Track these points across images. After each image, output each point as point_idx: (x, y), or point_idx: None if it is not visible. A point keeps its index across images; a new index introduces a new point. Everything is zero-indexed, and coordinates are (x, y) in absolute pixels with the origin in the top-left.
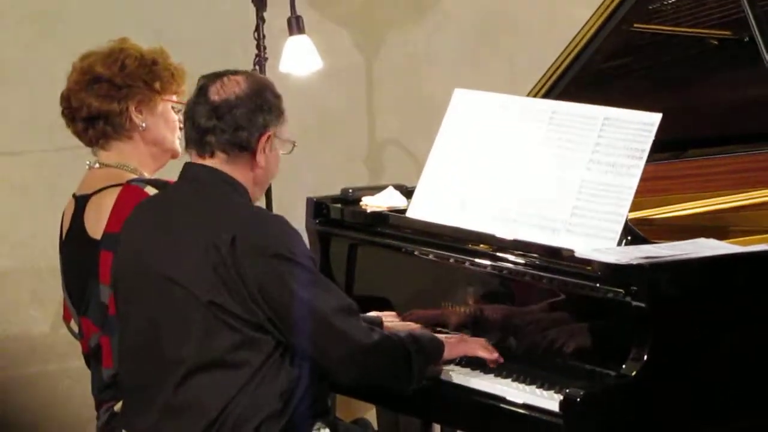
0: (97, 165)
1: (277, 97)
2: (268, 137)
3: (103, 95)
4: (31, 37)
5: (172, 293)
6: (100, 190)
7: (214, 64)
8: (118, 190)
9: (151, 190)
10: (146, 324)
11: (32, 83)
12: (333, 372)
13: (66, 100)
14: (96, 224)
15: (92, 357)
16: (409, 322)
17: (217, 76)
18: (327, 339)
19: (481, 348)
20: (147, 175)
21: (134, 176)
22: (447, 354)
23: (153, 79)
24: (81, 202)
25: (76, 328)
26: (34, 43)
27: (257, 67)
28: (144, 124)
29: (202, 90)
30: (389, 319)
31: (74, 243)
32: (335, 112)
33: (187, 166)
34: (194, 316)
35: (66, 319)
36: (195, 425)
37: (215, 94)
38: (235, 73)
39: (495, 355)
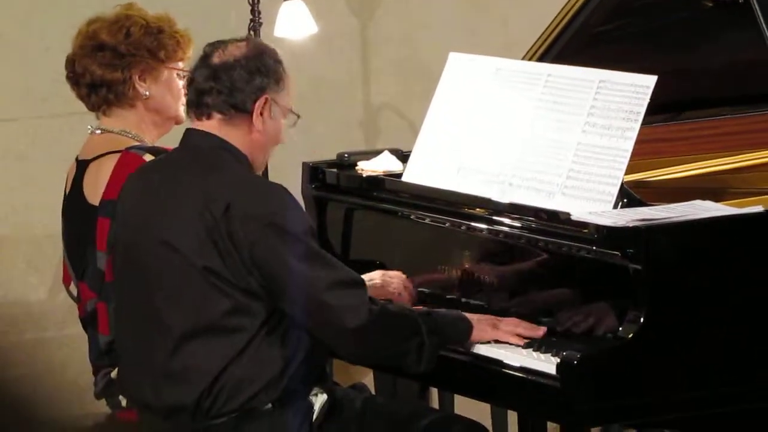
0: (98, 131)
1: (278, 62)
2: (266, 101)
3: (107, 63)
4: (25, 7)
5: (167, 258)
6: (99, 156)
7: (208, 29)
8: (116, 156)
9: (149, 158)
10: (142, 289)
11: (26, 51)
12: (330, 346)
13: (71, 64)
14: (94, 190)
15: (89, 323)
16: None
17: (221, 43)
18: (320, 314)
19: (512, 335)
20: (148, 143)
21: (134, 143)
22: (475, 337)
23: (158, 47)
24: (81, 166)
25: (75, 292)
26: (29, 13)
27: (252, 32)
28: (147, 93)
29: (205, 56)
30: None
31: (73, 207)
32: (330, 77)
33: (188, 133)
34: (189, 281)
35: (65, 282)
36: (192, 391)
37: (216, 57)
38: (240, 39)
39: (520, 340)
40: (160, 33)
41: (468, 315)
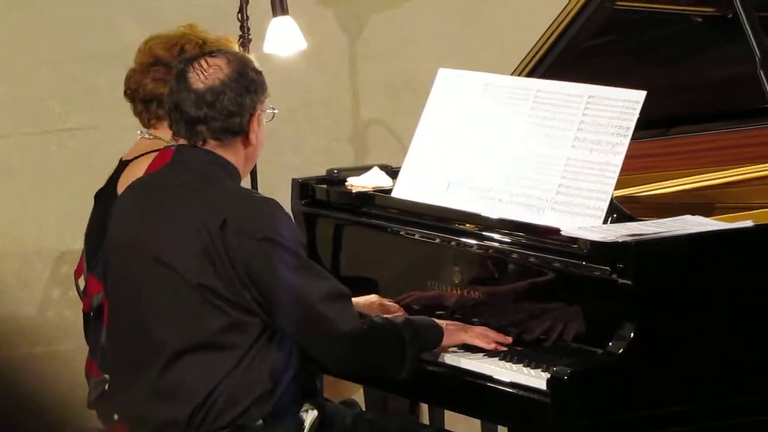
0: (147, 135)
1: (259, 73)
2: (258, 116)
3: (159, 78)
4: (16, 21)
5: (161, 275)
6: (140, 156)
7: None
8: (153, 155)
9: None
10: (135, 305)
11: (17, 67)
12: (319, 358)
13: (127, 80)
14: (126, 183)
15: (93, 317)
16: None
17: (193, 59)
18: (313, 325)
19: (480, 337)
20: None
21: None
22: (445, 342)
23: None
24: (122, 165)
25: (82, 285)
26: (20, 28)
27: (241, 49)
28: None
29: (181, 76)
30: (372, 300)
31: (103, 200)
32: (319, 92)
33: (180, 149)
34: (183, 298)
35: (77, 273)
36: (183, 407)
37: (198, 81)
38: (212, 54)
39: (493, 345)
40: None
41: (437, 321)
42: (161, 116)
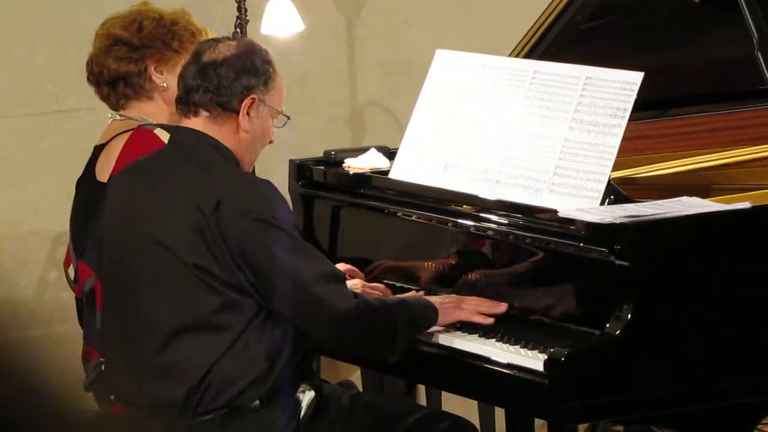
0: (118, 117)
1: (267, 62)
2: (253, 100)
3: (121, 57)
4: (10, 6)
5: (156, 255)
6: (113, 137)
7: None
8: (128, 135)
9: (161, 133)
10: (130, 286)
11: (11, 50)
12: (314, 339)
13: (89, 65)
14: (104, 167)
15: (86, 302)
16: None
17: (214, 41)
18: (307, 306)
19: (476, 314)
20: None
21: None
22: (441, 321)
23: (172, 38)
24: (96, 150)
25: (72, 275)
26: (14, 11)
27: (238, 30)
28: (165, 84)
29: (197, 54)
30: (359, 287)
31: (83, 186)
32: (317, 74)
33: (176, 130)
34: (178, 278)
35: (66, 264)
36: (179, 388)
37: (206, 55)
38: (232, 39)
39: (490, 319)
40: (174, 25)
41: (432, 298)
42: (130, 95)
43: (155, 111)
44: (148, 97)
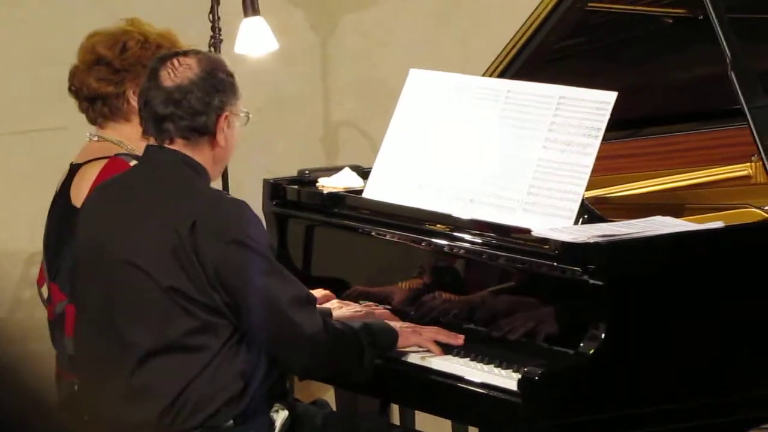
0: (95, 137)
1: (230, 75)
2: (226, 116)
3: (102, 77)
4: (1, 25)
5: (130, 277)
6: (90, 161)
7: None
8: (104, 162)
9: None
10: (103, 307)
11: (3, 68)
12: (284, 360)
13: (71, 77)
14: (78, 192)
15: (56, 326)
16: (366, 306)
17: (166, 59)
18: (280, 328)
19: (430, 342)
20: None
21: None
22: (400, 344)
23: None
24: (73, 169)
25: (45, 294)
26: (4, 30)
27: (212, 49)
28: None
29: (153, 74)
30: (336, 306)
31: (58, 207)
32: (290, 93)
33: (148, 149)
34: (153, 300)
35: (39, 283)
36: (152, 409)
37: (168, 79)
38: (185, 54)
39: (439, 349)
40: (159, 48)
41: (392, 323)
42: (107, 115)
43: (132, 133)
44: (125, 118)
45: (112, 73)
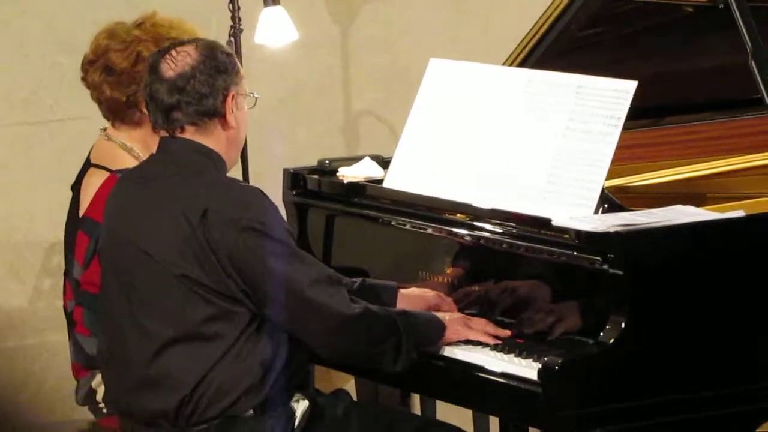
0: (105, 137)
1: (229, 54)
2: (233, 97)
3: (113, 85)
4: (5, 14)
5: (146, 266)
6: (95, 165)
7: None
8: (106, 175)
9: None
10: (124, 296)
11: (5, 58)
12: (312, 346)
13: (84, 71)
14: (84, 198)
15: (70, 321)
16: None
17: (164, 51)
18: (303, 312)
19: (483, 333)
20: None
21: (131, 160)
22: (448, 338)
23: None
24: (85, 167)
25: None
26: (7, 20)
27: (232, 39)
28: None
29: (153, 68)
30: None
31: (72, 207)
32: (311, 83)
33: (163, 140)
34: (168, 288)
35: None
36: (171, 397)
37: (169, 69)
38: (181, 43)
39: (494, 341)
40: None
41: (439, 314)
42: (118, 117)
43: (140, 138)
44: (136, 123)
45: (125, 85)
